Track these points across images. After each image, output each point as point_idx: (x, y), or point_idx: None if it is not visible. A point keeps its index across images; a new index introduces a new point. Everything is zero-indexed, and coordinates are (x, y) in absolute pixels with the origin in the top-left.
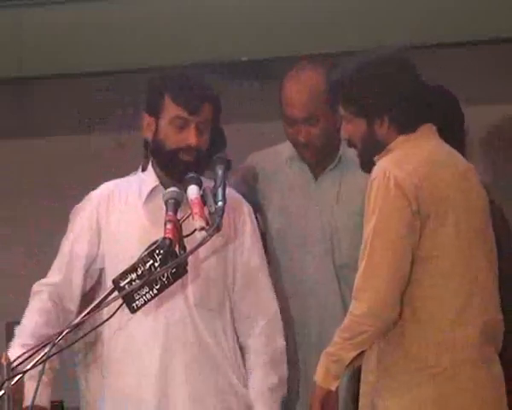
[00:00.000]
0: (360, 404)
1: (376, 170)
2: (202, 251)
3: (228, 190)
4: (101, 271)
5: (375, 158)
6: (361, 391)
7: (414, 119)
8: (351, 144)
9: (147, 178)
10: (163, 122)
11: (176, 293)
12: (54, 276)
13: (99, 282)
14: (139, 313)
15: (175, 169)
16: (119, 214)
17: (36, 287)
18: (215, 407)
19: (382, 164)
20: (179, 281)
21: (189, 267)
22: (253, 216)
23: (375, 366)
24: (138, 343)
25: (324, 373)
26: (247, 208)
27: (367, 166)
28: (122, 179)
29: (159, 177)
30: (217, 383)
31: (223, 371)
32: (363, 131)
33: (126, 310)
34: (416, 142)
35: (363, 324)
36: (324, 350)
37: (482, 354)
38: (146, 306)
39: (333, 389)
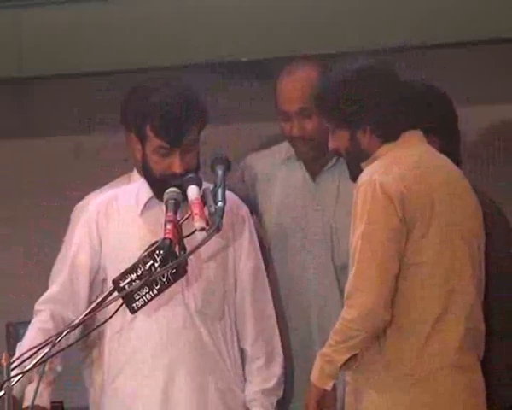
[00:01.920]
0: (345, 402)
1: (362, 177)
2: (203, 254)
3: (226, 192)
4: (104, 281)
5: (362, 164)
6: (345, 398)
7: (396, 126)
8: (337, 153)
9: (141, 189)
10: (148, 149)
11: (177, 298)
12: (56, 289)
13: (102, 292)
14: (141, 316)
15: (161, 191)
16: (118, 224)
17: (37, 306)
18: (218, 407)
19: (368, 170)
20: (180, 286)
21: (189, 271)
22: (251, 219)
23: (357, 372)
24: (139, 346)
25: (319, 373)
26: (245, 211)
27: (354, 174)
28: (120, 188)
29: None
30: (217, 386)
31: (222, 375)
32: (347, 142)
33: (128, 313)
34: (400, 149)
35: (353, 328)
36: (319, 351)
37: (462, 361)
38: (147, 309)
39: (328, 388)
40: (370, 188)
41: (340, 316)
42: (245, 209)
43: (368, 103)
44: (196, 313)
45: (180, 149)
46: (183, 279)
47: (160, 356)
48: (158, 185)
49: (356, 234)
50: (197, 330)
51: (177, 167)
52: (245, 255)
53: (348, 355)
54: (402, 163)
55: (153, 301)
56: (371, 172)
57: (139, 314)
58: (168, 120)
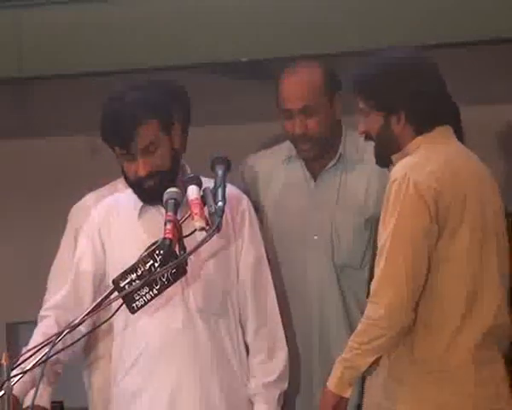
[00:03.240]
0: (365, 404)
1: (396, 172)
2: (202, 253)
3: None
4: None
5: (393, 158)
6: (366, 392)
7: (430, 119)
8: (367, 137)
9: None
10: (117, 157)
11: (177, 297)
12: (61, 295)
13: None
14: (143, 316)
15: (142, 195)
16: (120, 229)
17: (42, 312)
18: (221, 406)
19: (401, 166)
20: (180, 285)
21: (189, 270)
22: (252, 210)
23: (382, 369)
24: (143, 347)
25: (338, 380)
26: (245, 203)
27: (383, 161)
28: (120, 194)
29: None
30: (221, 384)
31: (226, 373)
32: (380, 126)
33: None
34: (434, 143)
35: (380, 327)
36: (339, 357)
37: (486, 356)
38: (148, 310)
39: (346, 396)
40: (404, 185)
41: (364, 316)
42: (245, 201)
43: (409, 91)
44: (197, 312)
45: (139, 151)
46: (182, 278)
47: (163, 356)
48: (137, 190)
49: (386, 231)
50: (199, 329)
51: (141, 170)
52: (245, 249)
53: (373, 358)
54: (435, 160)
55: (153, 301)
56: (404, 169)
57: (141, 315)
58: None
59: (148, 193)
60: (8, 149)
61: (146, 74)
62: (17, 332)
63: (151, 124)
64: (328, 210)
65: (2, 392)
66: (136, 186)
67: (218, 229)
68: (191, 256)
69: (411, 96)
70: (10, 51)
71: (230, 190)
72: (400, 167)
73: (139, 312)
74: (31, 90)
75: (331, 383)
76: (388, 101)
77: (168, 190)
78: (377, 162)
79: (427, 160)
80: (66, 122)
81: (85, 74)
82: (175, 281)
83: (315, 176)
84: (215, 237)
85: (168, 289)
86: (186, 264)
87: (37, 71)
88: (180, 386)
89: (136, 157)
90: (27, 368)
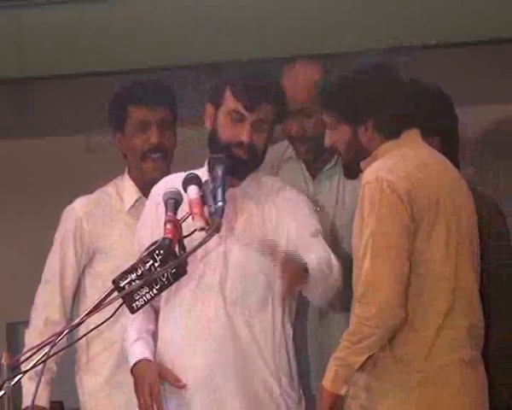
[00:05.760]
0: (347, 407)
1: (367, 175)
2: (240, 247)
3: (267, 178)
4: None
5: (362, 164)
6: (349, 393)
7: (398, 124)
8: (334, 150)
9: (199, 172)
10: (221, 113)
11: (214, 287)
12: None
13: None
14: (177, 309)
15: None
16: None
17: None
18: (241, 405)
19: (373, 169)
20: (217, 278)
21: (229, 260)
22: (291, 189)
23: (366, 369)
24: (177, 337)
25: (333, 378)
26: (286, 193)
27: (350, 173)
28: (177, 174)
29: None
30: (247, 384)
31: (259, 367)
32: (348, 138)
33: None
34: (402, 148)
35: (371, 326)
36: (333, 355)
37: (469, 357)
38: (185, 301)
39: (341, 393)
40: (378, 186)
41: (354, 315)
42: (286, 192)
43: (372, 99)
44: (231, 304)
45: (252, 119)
46: (221, 268)
47: (196, 346)
48: (221, 153)
49: (366, 233)
50: (233, 322)
51: (245, 136)
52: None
53: (365, 356)
54: (405, 164)
55: (189, 292)
56: (376, 171)
57: (176, 307)
58: (249, 83)
59: (232, 162)
60: (8, 149)
61: (146, 74)
62: (17, 332)
63: (273, 104)
64: (328, 211)
65: (3, 392)
66: (225, 150)
67: (218, 229)
68: (231, 247)
69: (377, 104)
70: (10, 51)
71: (273, 182)
72: (372, 170)
73: (176, 298)
74: (31, 90)
75: (326, 382)
76: (354, 111)
77: (167, 189)
78: (345, 174)
79: (398, 163)
80: (67, 122)
81: (85, 74)
82: (175, 281)
83: (314, 177)
84: (252, 225)
85: (205, 280)
86: (186, 264)
87: (37, 71)
88: (216, 377)
89: (247, 121)
90: (27, 368)
